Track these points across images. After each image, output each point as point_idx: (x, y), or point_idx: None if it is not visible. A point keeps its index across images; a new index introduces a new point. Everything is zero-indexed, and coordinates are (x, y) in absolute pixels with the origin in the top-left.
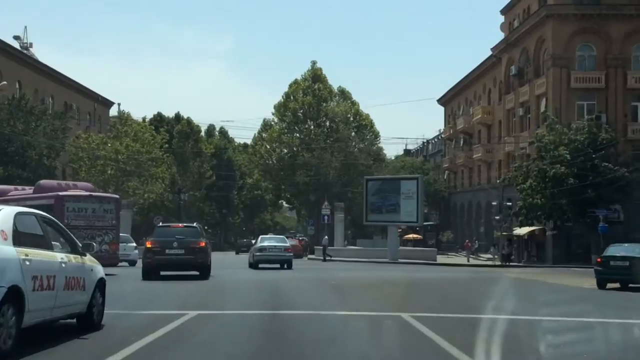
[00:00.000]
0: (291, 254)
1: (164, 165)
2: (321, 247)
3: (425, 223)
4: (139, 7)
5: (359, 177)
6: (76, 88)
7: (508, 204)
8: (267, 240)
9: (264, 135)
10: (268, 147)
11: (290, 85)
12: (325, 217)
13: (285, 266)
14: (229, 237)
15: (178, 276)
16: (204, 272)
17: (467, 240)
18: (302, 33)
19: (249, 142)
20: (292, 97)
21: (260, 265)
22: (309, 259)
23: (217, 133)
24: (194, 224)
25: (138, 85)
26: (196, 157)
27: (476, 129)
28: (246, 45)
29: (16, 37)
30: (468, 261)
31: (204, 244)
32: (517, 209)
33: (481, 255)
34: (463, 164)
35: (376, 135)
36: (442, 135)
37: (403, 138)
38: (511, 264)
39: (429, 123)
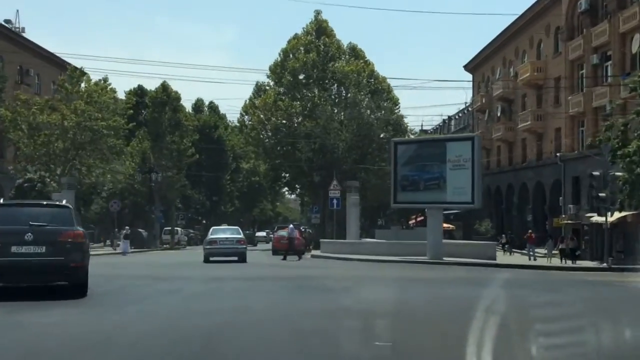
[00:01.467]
0: (244, 247)
1: (135, 139)
2: (345, 241)
3: (450, 211)
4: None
5: (374, 152)
6: (38, 52)
7: (612, 175)
8: (219, 232)
9: (256, 102)
10: (262, 116)
11: (289, 41)
12: (334, 201)
13: (238, 259)
14: None
15: (28, 292)
16: (79, 283)
17: (529, 231)
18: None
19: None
20: (291, 55)
21: (212, 259)
22: (313, 256)
23: (206, 109)
24: (64, 202)
25: (137, 77)
26: (174, 131)
27: (520, 93)
28: (248, 37)
29: (7, 21)
30: (530, 259)
31: (80, 235)
32: (620, 185)
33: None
34: (501, 138)
35: (395, 102)
36: (470, 108)
37: (418, 87)
38: (589, 263)
39: (449, 97)
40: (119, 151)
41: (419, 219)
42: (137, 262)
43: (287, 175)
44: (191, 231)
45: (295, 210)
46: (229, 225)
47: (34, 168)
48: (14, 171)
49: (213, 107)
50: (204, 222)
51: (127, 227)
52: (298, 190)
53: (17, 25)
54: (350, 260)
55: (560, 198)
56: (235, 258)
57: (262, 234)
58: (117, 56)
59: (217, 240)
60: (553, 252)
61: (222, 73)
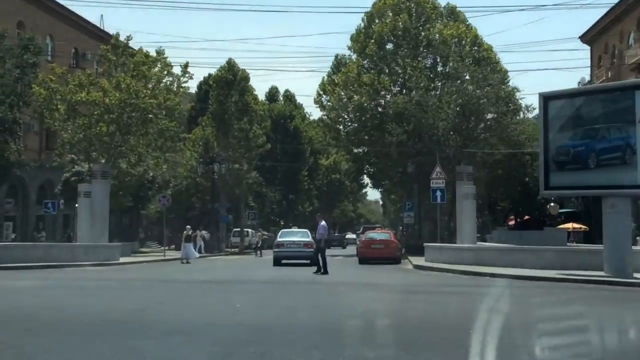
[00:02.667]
0: (312, 250)
1: (197, 127)
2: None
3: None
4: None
5: (481, 134)
6: (95, 34)
7: None
8: (287, 235)
9: (335, 79)
10: (342, 94)
11: (374, 4)
12: (438, 193)
13: (308, 262)
14: None
15: None
16: None
17: None
18: None
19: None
20: (377, 20)
21: (283, 261)
22: (417, 267)
23: (281, 98)
24: None
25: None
26: (242, 116)
27: None
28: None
29: None
30: None
31: None
32: None
33: None
34: None
35: (505, 74)
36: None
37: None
38: None
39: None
40: (174, 136)
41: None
42: (157, 277)
43: (373, 168)
44: (265, 233)
45: (376, 212)
46: (299, 228)
47: (77, 158)
48: (57, 163)
49: (289, 96)
50: (282, 223)
51: (187, 227)
52: (385, 185)
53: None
54: (479, 275)
55: None
56: (307, 261)
57: (352, 235)
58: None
59: (285, 244)
60: None
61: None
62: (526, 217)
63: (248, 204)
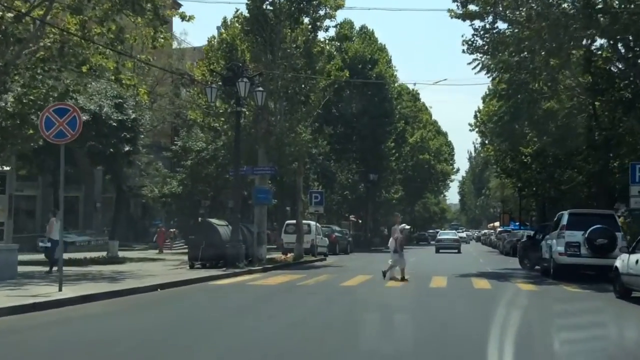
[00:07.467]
0: (459, 243)
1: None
2: None
3: None
4: None
5: None
6: None
7: None
8: (443, 234)
9: None
10: None
11: None
12: None
13: (456, 251)
14: (378, 227)
15: None
16: None
17: None
18: None
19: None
20: None
21: (441, 250)
22: None
23: (356, 38)
24: None
25: None
26: (299, 15)
27: None
28: None
29: None
30: None
31: None
32: None
33: None
34: None
35: None
36: None
37: None
38: None
39: None
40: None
41: None
42: None
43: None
44: (336, 229)
45: (449, 211)
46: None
47: None
48: None
49: (367, 34)
50: (352, 217)
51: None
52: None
53: None
54: None
55: None
56: (455, 251)
57: (462, 234)
58: None
59: (443, 239)
60: None
61: None
62: None
63: (309, 183)
